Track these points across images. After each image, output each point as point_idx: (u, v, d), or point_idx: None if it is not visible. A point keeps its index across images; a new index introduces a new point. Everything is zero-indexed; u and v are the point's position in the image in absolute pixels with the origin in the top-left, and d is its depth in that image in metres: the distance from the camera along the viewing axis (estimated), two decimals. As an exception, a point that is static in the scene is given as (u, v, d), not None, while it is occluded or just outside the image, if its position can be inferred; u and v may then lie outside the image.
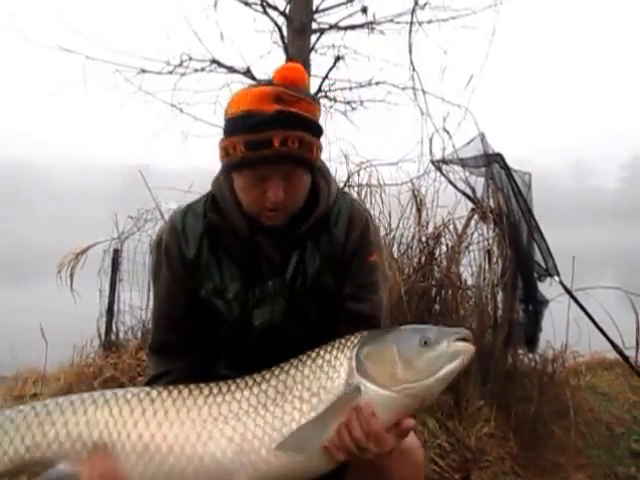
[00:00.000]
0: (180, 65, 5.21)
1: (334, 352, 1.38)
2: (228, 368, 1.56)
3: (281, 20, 5.11)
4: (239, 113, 1.45)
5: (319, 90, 5.15)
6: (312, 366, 1.37)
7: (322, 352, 1.39)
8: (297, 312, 1.58)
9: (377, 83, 5.26)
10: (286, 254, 1.58)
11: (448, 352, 1.31)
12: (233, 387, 1.39)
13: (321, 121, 1.54)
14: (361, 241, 1.62)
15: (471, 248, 3.79)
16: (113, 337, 4.24)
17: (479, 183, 3.79)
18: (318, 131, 1.50)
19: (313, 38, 5.16)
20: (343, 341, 1.39)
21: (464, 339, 1.33)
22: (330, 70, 5.13)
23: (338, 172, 3.71)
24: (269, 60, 5.28)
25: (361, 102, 5.37)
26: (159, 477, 1.30)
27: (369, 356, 1.34)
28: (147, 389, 1.40)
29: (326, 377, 1.35)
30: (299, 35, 5.04)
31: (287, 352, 1.46)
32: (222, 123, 1.54)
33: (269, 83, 1.49)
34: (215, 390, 1.39)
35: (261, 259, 1.57)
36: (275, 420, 1.33)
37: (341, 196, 1.66)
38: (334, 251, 1.60)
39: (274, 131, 1.40)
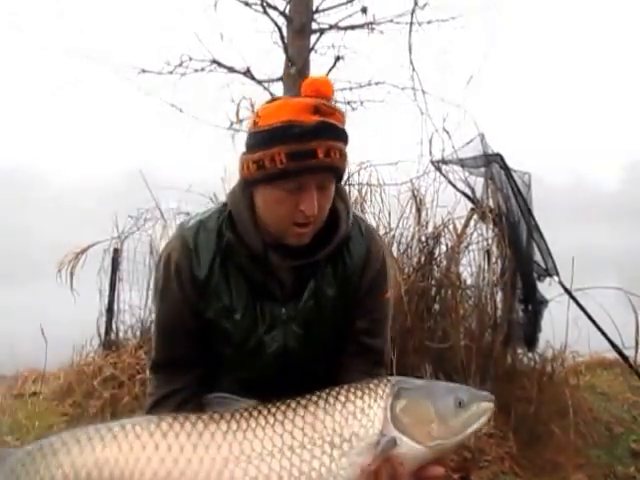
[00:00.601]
0: (180, 65, 5.24)
1: (366, 399, 1.38)
2: (234, 388, 1.53)
3: (281, 20, 5.13)
4: (278, 124, 1.41)
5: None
6: (343, 412, 1.36)
7: (352, 397, 1.39)
8: (309, 339, 1.56)
9: (377, 83, 5.28)
10: (300, 279, 1.55)
11: (477, 412, 1.38)
12: (253, 424, 1.35)
13: None
14: (379, 278, 1.61)
15: (470, 248, 3.79)
16: (113, 336, 4.25)
17: (479, 183, 3.79)
18: (347, 143, 1.50)
19: (313, 38, 5.19)
20: (373, 387, 1.40)
21: (489, 401, 1.42)
22: (330, 70, 5.15)
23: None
24: (269, 60, 5.29)
25: (361, 102, 5.39)
26: None
27: (406, 411, 1.36)
28: (155, 420, 1.35)
29: (359, 425, 1.35)
30: (299, 35, 5.05)
31: (296, 376, 1.47)
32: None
33: (299, 96, 1.46)
34: (234, 426, 1.34)
35: (271, 280, 1.54)
36: (303, 464, 1.31)
37: (354, 220, 1.61)
38: (349, 281, 1.58)
39: (318, 141, 1.39)
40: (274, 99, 1.55)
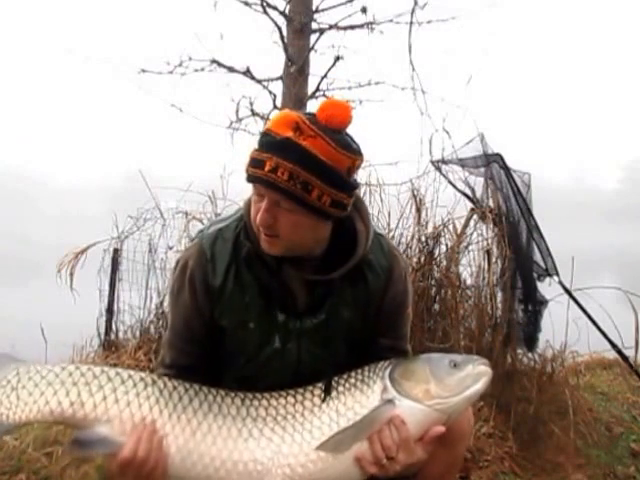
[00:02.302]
0: (180, 65, 5.22)
1: (366, 372, 1.49)
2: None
3: (281, 20, 5.12)
4: (263, 130, 1.47)
5: (317, 89, 5.16)
6: (345, 384, 1.47)
7: (353, 373, 1.50)
8: (323, 354, 1.58)
9: (377, 83, 5.27)
10: (316, 295, 1.56)
11: (473, 373, 1.46)
12: (267, 395, 1.47)
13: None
14: (401, 297, 1.64)
15: (470, 248, 3.79)
16: (113, 336, 4.24)
17: (478, 183, 3.79)
18: (327, 176, 1.40)
19: (313, 38, 5.17)
20: (373, 365, 1.50)
21: (484, 364, 1.50)
22: (329, 70, 5.14)
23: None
24: (269, 60, 5.30)
25: (360, 102, 5.38)
26: (198, 466, 1.37)
27: (403, 374, 1.45)
28: (187, 383, 1.46)
29: (360, 393, 1.45)
30: (299, 35, 5.05)
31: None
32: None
33: (308, 113, 1.45)
34: (250, 395, 1.46)
35: (285, 292, 1.55)
36: (314, 429, 1.41)
37: (376, 240, 1.61)
38: (371, 301, 1.60)
39: (270, 155, 1.38)
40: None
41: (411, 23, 4.83)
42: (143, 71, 5.21)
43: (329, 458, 1.37)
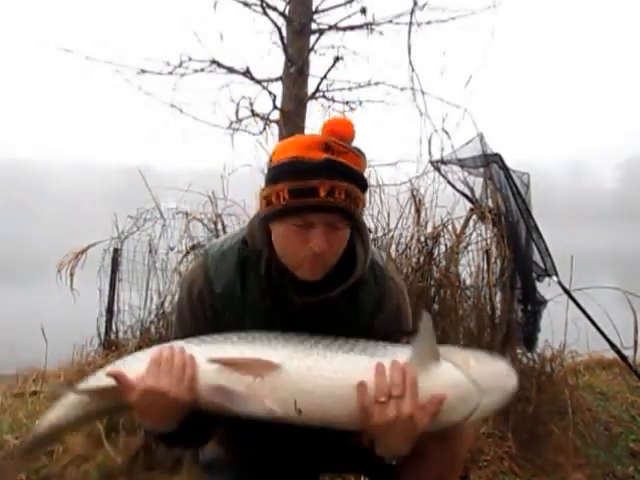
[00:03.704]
0: (180, 65, 5.22)
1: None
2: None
3: (280, 21, 5.12)
4: (285, 160, 1.41)
5: (317, 90, 5.16)
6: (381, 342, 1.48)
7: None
8: None
9: (376, 84, 5.27)
10: (313, 314, 1.56)
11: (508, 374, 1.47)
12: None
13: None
14: (395, 317, 1.63)
15: (470, 248, 3.79)
16: (113, 336, 4.25)
17: (478, 183, 3.79)
18: (364, 185, 1.46)
19: (312, 39, 5.17)
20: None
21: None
22: (329, 70, 5.14)
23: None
24: (268, 60, 5.30)
25: (360, 102, 5.38)
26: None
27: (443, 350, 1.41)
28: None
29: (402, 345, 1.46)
30: (298, 36, 5.05)
31: None
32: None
33: (316, 135, 1.46)
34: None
35: (286, 315, 1.55)
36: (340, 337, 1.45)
37: (371, 266, 1.60)
38: (362, 320, 1.59)
39: (321, 180, 1.36)
40: (289, 138, 1.52)
41: (410, 24, 4.84)
42: (143, 72, 5.21)
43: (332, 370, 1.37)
